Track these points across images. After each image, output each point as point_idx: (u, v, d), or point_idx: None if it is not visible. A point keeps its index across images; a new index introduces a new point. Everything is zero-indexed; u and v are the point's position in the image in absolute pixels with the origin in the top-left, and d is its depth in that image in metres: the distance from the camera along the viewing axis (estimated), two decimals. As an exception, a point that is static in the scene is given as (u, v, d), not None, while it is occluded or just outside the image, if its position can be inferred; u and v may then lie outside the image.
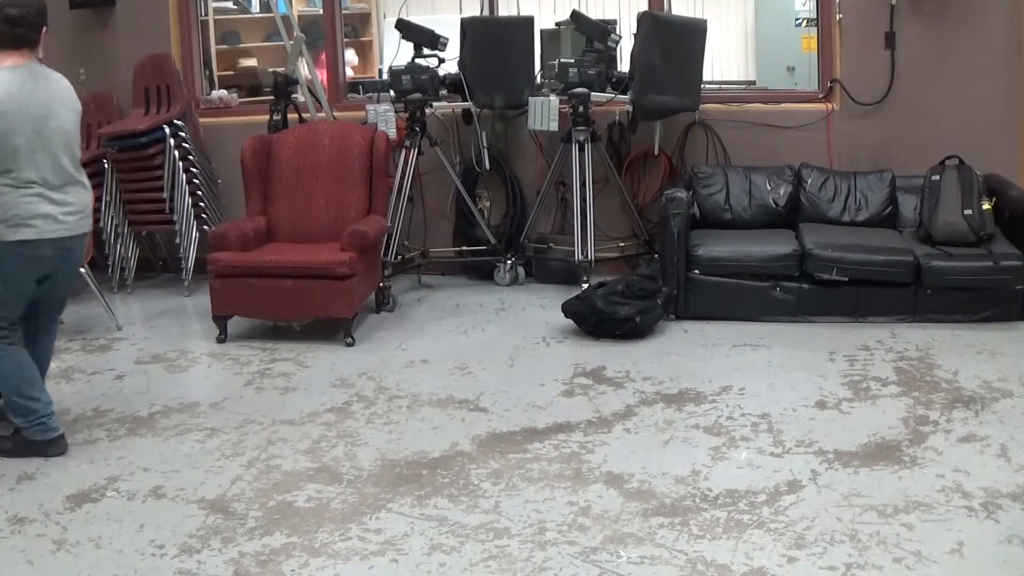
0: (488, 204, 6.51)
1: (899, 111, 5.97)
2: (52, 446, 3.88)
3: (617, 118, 6.23)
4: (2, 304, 3.80)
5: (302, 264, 5.18)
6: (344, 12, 7.38)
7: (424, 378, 4.67)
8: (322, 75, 6.78)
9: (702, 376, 4.56)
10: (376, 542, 3.15)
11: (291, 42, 6.35)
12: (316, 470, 3.70)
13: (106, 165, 6.36)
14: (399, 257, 6.06)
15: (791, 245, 5.35)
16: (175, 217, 6.31)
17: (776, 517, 3.23)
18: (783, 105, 6.23)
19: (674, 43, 5.88)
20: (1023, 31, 5.77)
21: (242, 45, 8.84)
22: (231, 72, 8.57)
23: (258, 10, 8.99)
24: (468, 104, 6.17)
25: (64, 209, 3.80)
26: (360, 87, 7.15)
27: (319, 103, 6.39)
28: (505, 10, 6.76)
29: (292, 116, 6.38)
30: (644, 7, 6.29)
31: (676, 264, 5.37)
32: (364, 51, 9.26)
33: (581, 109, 5.86)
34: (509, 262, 6.25)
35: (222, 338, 5.28)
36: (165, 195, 6.28)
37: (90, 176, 6.08)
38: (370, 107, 6.11)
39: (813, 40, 6.54)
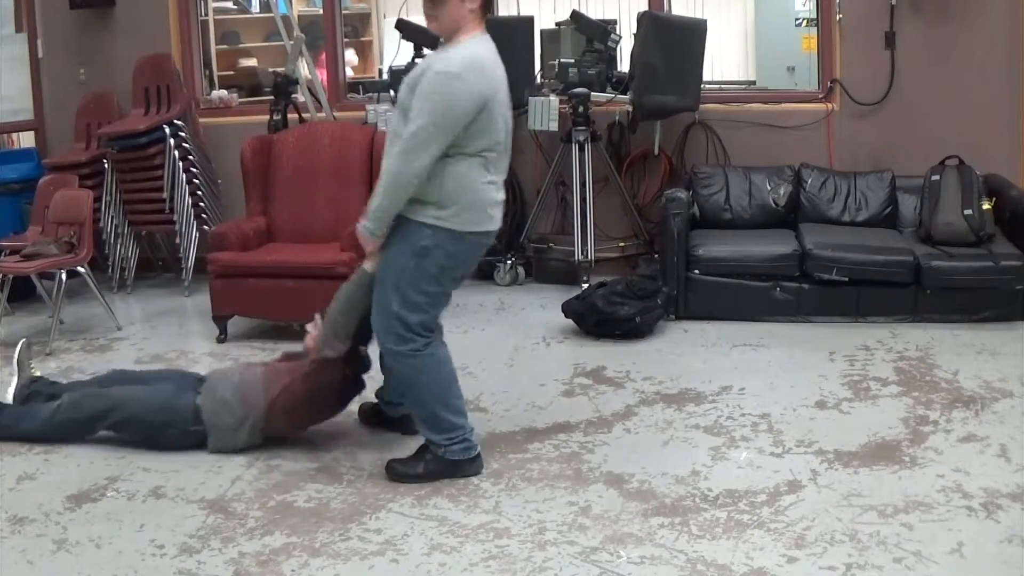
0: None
1: (899, 111, 5.96)
2: (472, 465, 3.54)
3: (617, 118, 6.23)
4: (435, 303, 3.46)
5: (302, 264, 5.18)
6: (344, 12, 7.38)
7: (424, 378, 4.66)
8: (322, 75, 6.78)
9: (702, 376, 4.56)
10: (376, 542, 3.15)
11: (291, 42, 6.35)
12: (316, 470, 3.69)
13: (106, 165, 6.36)
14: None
15: (791, 245, 5.35)
16: (175, 217, 6.32)
17: (776, 517, 3.23)
18: (783, 105, 6.23)
19: (674, 43, 5.88)
20: (1023, 31, 5.77)
21: (242, 45, 8.85)
22: (231, 72, 8.57)
23: (258, 10, 9.00)
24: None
25: (502, 194, 3.50)
26: (360, 87, 7.15)
27: (319, 103, 6.39)
28: (505, 10, 6.76)
29: (292, 116, 6.38)
30: (644, 7, 6.29)
31: (676, 264, 5.37)
32: (364, 51, 9.26)
33: (581, 109, 5.87)
34: (509, 262, 6.25)
35: (222, 338, 5.28)
36: (165, 195, 6.28)
37: (90, 176, 6.23)
38: (370, 107, 6.12)
39: (813, 40, 6.54)
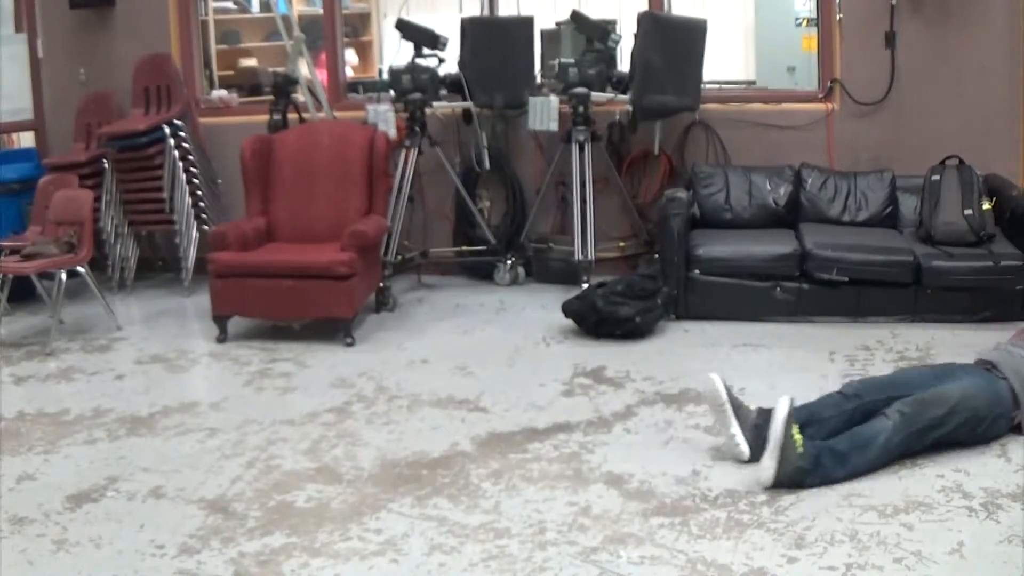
0: (488, 204, 6.51)
1: (899, 111, 5.96)
2: None
3: (617, 118, 6.23)
4: None
5: (302, 264, 5.18)
6: (344, 12, 7.38)
7: (424, 378, 4.66)
8: (322, 75, 6.78)
9: (702, 376, 4.52)
10: (376, 542, 3.15)
11: (291, 42, 6.35)
12: (316, 470, 3.69)
13: (106, 165, 6.36)
14: (399, 257, 6.05)
15: (791, 245, 5.35)
16: (175, 217, 6.32)
17: (776, 517, 3.23)
18: (783, 105, 6.23)
19: (674, 43, 5.88)
20: (1023, 30, 5.77)
21: (242, 45, 8.84)
22: (231, 72, 8.57)
23: (258, 10, 9.00)
24: (468, 104, 6.17)
25: None
26: (360, 87, 7.15)
27: (319, 103, 6.39)
28: (505, 10, 6.76)
29: (292, 116, 6.38)
30: (644, 7, 6.28)
31: (676, 264, 5.36)
32: (364, 51, 9.26)
33: (581, 109, 5.87)
34: (509, 262, 6.25)
35: (222, 338, 5.28)
36: (165, 195, 6.29)
37: (90, 176, 6.24)
38: (370, 107, 6.11)
39: (813, 40, 6.54)
